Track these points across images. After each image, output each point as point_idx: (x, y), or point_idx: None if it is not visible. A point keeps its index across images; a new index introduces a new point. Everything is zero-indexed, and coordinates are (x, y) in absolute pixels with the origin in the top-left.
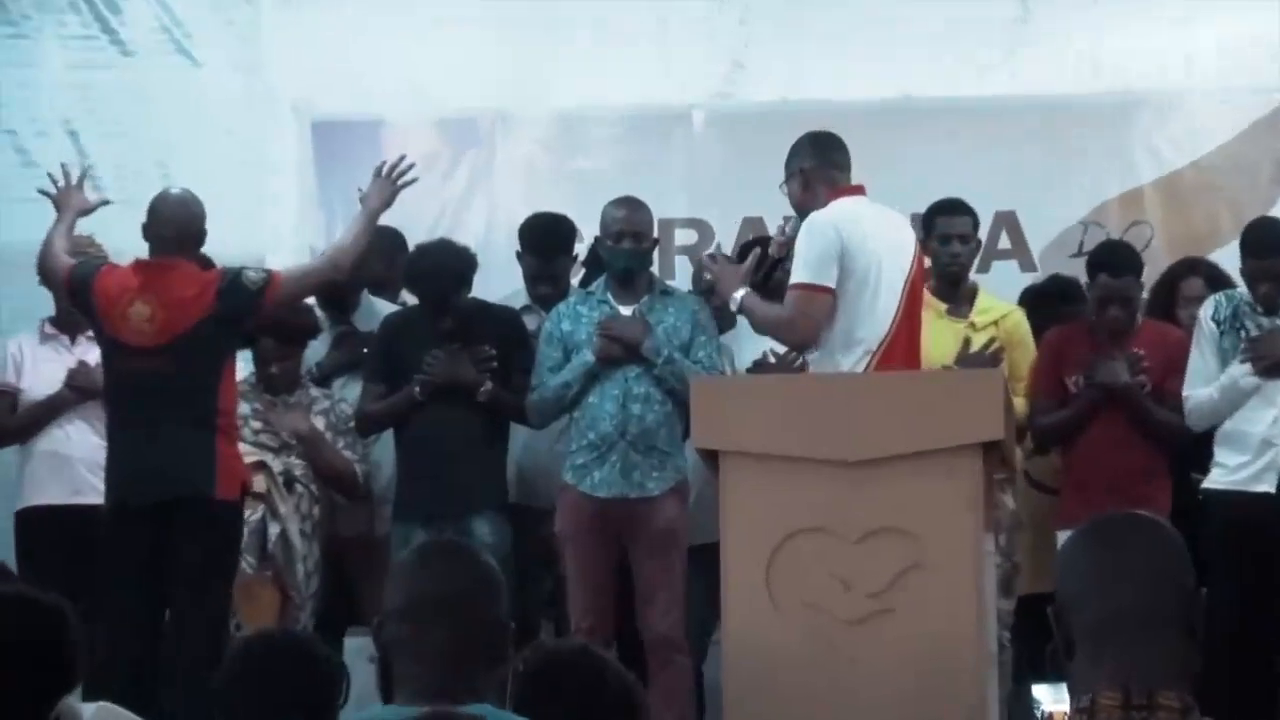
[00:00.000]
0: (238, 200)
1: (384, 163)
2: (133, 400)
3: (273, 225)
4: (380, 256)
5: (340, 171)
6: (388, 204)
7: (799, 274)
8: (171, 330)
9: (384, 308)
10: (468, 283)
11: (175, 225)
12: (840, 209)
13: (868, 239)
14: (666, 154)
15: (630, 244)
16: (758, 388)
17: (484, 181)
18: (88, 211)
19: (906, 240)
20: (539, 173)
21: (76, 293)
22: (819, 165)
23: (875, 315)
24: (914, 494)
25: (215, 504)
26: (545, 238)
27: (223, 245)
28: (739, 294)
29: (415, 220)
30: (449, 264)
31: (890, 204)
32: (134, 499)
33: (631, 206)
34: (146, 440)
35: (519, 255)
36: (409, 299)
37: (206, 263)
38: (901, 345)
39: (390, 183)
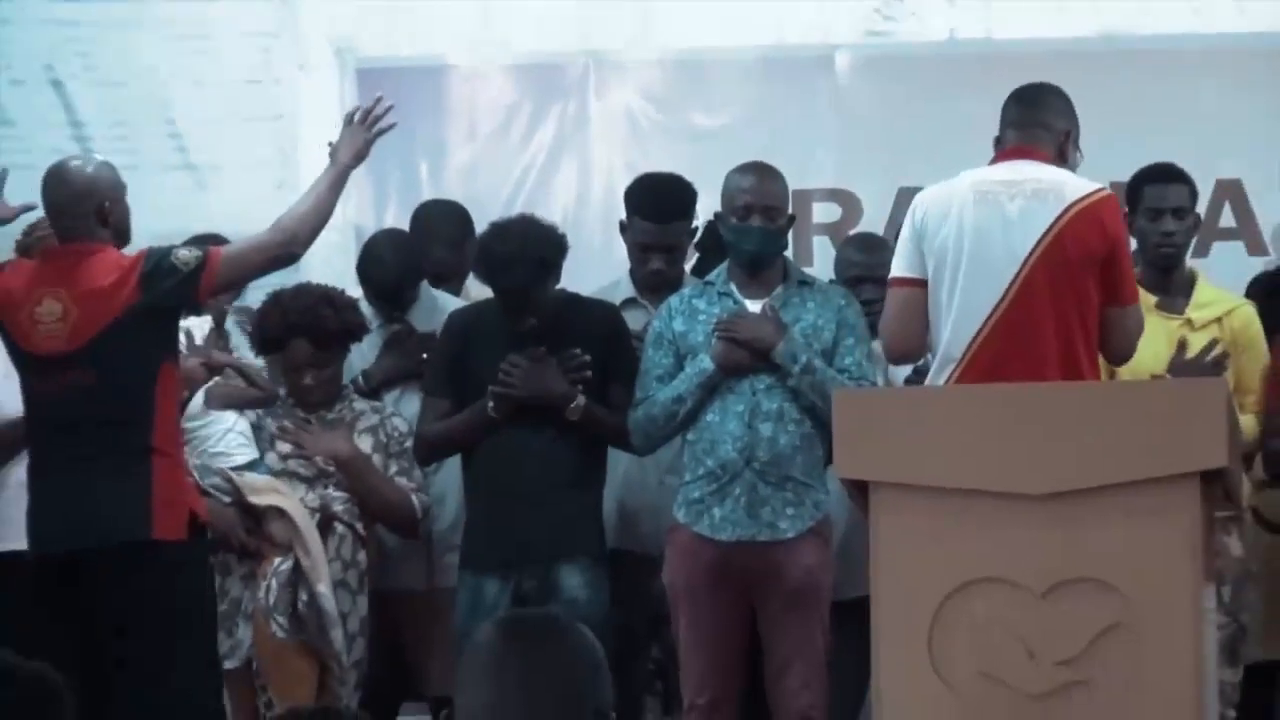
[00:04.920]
0: (263, 166)
1: (356, 108)
2: (51, 426)
3: None
4: (443, 238)
5: (391, 130)
6: (361, 157)
7: None
8: (87, 329)
9: (449, 302)
10: (555, 271)
11: (67, 199)
12: (946, 183)
13: (949, 216)
14: (804, 107)
15: (760, 222)
16: (917, 403)
17: (574, 143)
18: (3, 222)
19: (1035, 212)
20: (643, 132)
21: None
22: (1000, 128)
23: (952, 318)
24: (1116, 536)
25: (155, 548)
26: (661, 197)
27: (243, 222)
28: None
29: (488, 192)
30: (531, 247)
31: (1083, 171)
32: (52, 549)
33: (761, 174)
34: (66, 472)
35: (623, 226)
36: (480, 291)
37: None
38: (1012, 355)
39: (364, 129)
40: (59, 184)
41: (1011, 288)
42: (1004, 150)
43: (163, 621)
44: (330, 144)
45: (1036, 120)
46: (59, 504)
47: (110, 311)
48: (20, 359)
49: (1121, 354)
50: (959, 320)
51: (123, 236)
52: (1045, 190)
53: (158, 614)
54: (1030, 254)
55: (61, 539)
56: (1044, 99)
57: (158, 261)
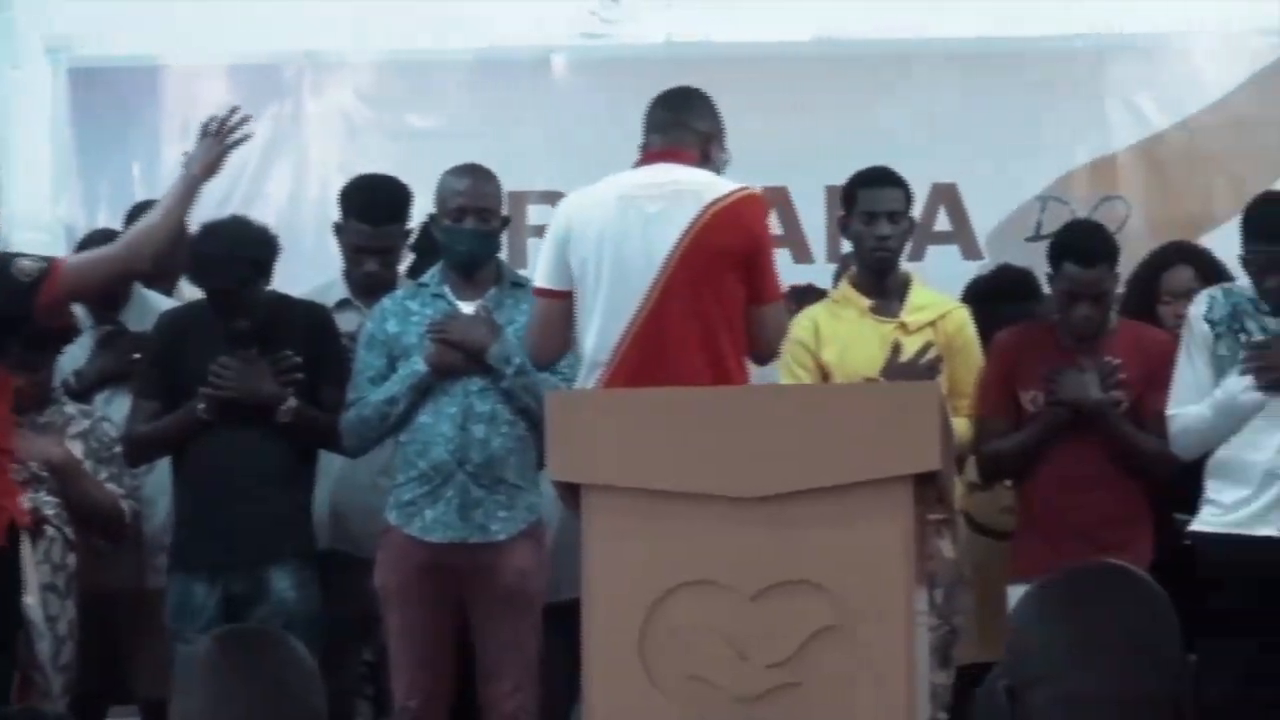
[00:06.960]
0: None
1: (212, 118)
2: None
3: (16, 199)
4: None
5: (104, 130)
6: (213, 170)
7: None
8: None
9: (161, 303)
10: (267, 272)
11: None
12: (589, 189)
13: (592, 222)
14: (520, 109)
15: (473, 223)
16: (629, 405)
17: (288, 143)
18: None
19: (673, 214)
20: (359, 132)
21: None
22: (645, 133)
23: (597, 322)
24: (828, 539)
25: None
26: (375, 199)
27: None
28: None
29: (200, 192)
30: (241, 248)
31: (799, 174)
32: None
33: (475, 176)
34: None
35: (337, 227)
36: (193, 292)
37: None
38: (658, 358)
39: (218, 142)
40: None
41: (653, 290)
42: (649, 153)
43: None
44: (185, 154)
45: (680, 123)
46: None
47: None
48: None
49: (766, 353)
50: (604, 324)
51: None
52: (684, 191)
53: None
54: (670, 256)
55: None
56: (687, 102)
57: None
